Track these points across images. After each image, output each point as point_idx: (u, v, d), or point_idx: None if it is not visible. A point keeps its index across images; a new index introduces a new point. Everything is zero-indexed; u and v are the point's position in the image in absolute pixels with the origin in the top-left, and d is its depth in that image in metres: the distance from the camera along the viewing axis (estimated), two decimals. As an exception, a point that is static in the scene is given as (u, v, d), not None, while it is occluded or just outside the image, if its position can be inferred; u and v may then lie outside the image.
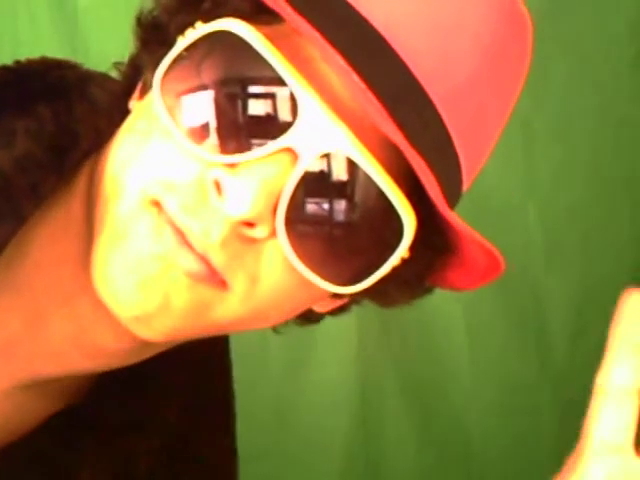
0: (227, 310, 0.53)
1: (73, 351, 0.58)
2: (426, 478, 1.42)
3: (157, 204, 0.51)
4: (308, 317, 0.61)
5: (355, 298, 0.60)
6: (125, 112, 0.56)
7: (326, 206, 0.51)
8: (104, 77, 0.63)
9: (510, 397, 1.42)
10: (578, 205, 1.44)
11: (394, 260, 0.52)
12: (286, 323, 0.61)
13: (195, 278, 0.51)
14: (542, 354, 1.41)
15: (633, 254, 1.45)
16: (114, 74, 0.60)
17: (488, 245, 0.52)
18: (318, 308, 0.60)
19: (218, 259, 0.51)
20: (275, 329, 0.62)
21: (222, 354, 0.74)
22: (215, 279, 0.52)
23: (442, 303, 1.39)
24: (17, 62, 0.62)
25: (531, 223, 1.43)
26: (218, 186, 0.50)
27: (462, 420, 1.42)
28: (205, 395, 0.71)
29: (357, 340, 1.41)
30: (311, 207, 0.51)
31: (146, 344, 0.56)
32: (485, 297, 1.40)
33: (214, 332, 0.56)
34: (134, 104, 0.57)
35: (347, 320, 1.40)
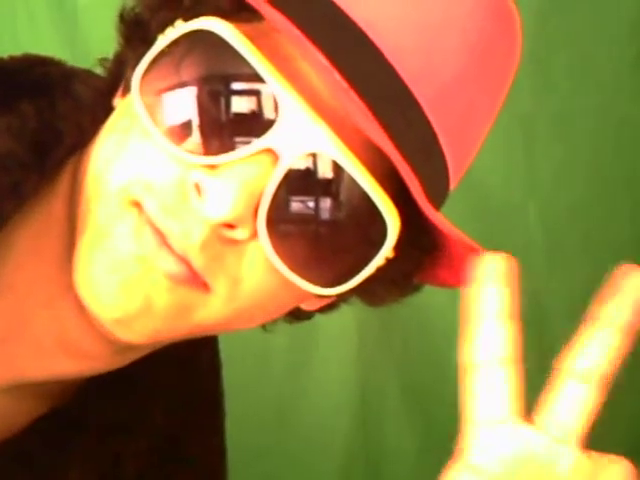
0: (209, 312, 0.52)
1: (57, 353, 0.57)
2: (426, 477, 1.42)
3: (138, 205, 0.51)
4: (296, 315, 0.60)
5: (342, 297, 0.59)
6: (109, 109, 0.56)
7: (308, 207, 0.51)
8: (88, 74, 0.62)
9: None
10: (579, 205, 1.44)
11: (378, 261, 0.52)
12: (275, 322, 0.60)
13: (175, 280, 0.51)
14: (542, 354, 1.41)
15: (633, 254, 1.45)
16: (100, 71, 0.60)
17: (474, 245, 0.52)
18: (306, 307, 0.60)
19: (198, 261, 0.50)
20: (264, 328, 0.61)
21: (211, 354, 0.73)
22: (196, 281, 0.51)
23: (442, 303, 1.39)
24: None
25: (531, 223, 1.43)
26: (198, 187, 0.50)
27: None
28: (193, 395, 0.71)
29: (357, 341, 1.41)
30: (293, 208, 0.50)
31: (129, 347, 0.55)
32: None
33: (198, 333, 0.56)
34: (117, 101, 0.56)
35: (347, 321, 1.40)
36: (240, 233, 0.50)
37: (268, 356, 1.39)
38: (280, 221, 0.50)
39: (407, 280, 0.58)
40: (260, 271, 0.52)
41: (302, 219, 0.51)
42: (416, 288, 0.60)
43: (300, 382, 1.40)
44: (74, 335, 0.56)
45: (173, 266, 0.50)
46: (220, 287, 0.52)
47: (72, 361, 0.57)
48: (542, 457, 0.50)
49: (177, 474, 0.69)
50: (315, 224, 0.51)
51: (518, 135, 1.40)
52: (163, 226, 0.50)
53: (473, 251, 0.52)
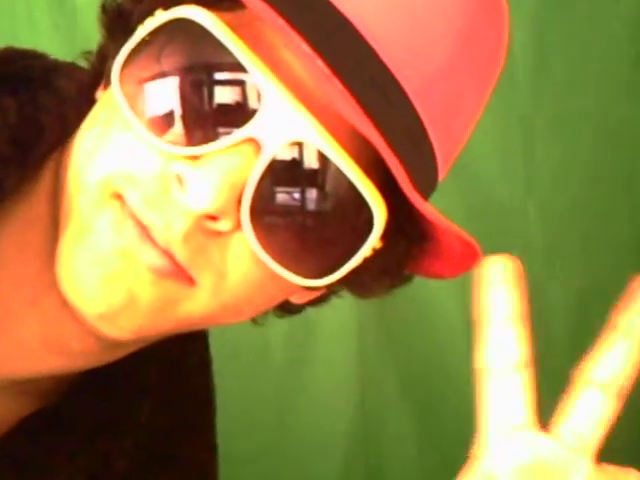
0: (196, 306, 0.52)
1: (42, 351, 0.56)
2: (426, 478, 1.42)
3: (119, 197, 0.50)
4: (287, 308, 0.60)
5: (332, 289, 0.58)
6: (93, 102, 0.55)
7: (292, 197, 0.50)
8: (72, 67, 0.61)
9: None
10: (578, 205, 1.44)
11: (365, 252, 0.51)
12: (265, 315, 0.59)
13: (159, 273, 0.50)
14: (542, 354, 1.41)
15: (633, 254, 1.45)
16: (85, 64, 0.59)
17: (464, 235, 0.51)
18: (295, 300, 0.59)
19: (181, 254, 0.50)
20: (255, 321, 0.60)
21: (201, 349, 0.72)
22: (180, 274, 0.50)
23: (442, 302, 1.39)
24: None
25: (531, 223, 1.43)
26: (180, 179, 0.49)
27: (462, 421, 1.41)
28: (183, 392, 0.69)
29: (357, 340, 1.40)
30: (276, 199, 0.50)
31: (116, 343, 0.55)
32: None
33: (185, 328, 0.55)
34: (100, 94, 0.55)
35: (347, 319, 1.40)
36: (223, 225, 0.50)
37: (266, 355, 1.39)
38: (264, 212, 0.49)
39: (397, 271, 0.57)
40: (245, 263, 0.51)
41: (286, 209, 0.50)
42: (407, 279, 0.59)
43: (299, 381, 1.40)
44: (59, 332, 0.55)
45: (156, 259, 0.50)
46: (205, 280, 0.51)
47: (58, 358, 0.57)
48: (557, 467, 0.50)
49: (167, 472, 0.68)
50: (300, 214, 0.50)
51: (517, 135, 1.40)
52: (145, 219, 0.49)
53: (463, 241, 0.51)
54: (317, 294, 0.59)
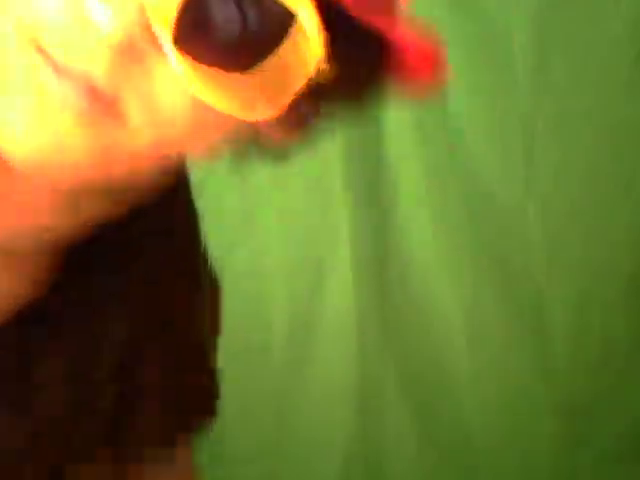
0: (131, 143, 0.49)
1: (7, 214, 0.55)
2: (426, 477, 1.42)
3: (35, 42, 0.48)
4: (259, 144, 0.55)
5: (303, 120, 0.53)
6: None
7: (219, 15, 0.47)
8: None
9: (510, 397, 1.42)
10: (578, 205, 1.44)
11: (306, 70, 0.47)
12: (246, 156, 0.55)
13: (84, 111, 0.48)
14: (542, 354, 1.41)
15: (633, 254, 1.45)
16: None
17: (425, 32, 0.48)
18: (268, 133, 0.54)
19: (105, 86, 0.47)
20: (238, 162, 0.56)
21: (185, 208, 0.67)
22: (107, 110, 0.48)
23: (442, 302, 1.39)
24: None
25: (531, 223, 1.43)
26: (91, 11, 0.46)
27: (462, 420, 1.42)
28: (173, 264, 0.66)
29: (357, 340, 1.41)
30: (198, 18, 0.47)
31: (75, 196, 0.53)
32: (485, 297, 1.40)
33: (129, 174, 0.52)
34: None
35: (347, 319, 1.40)
36: (142, 48, 0.47)
37: (266, 354, 1.39)
38: (184, 33, 0.47)
39: (364, 85, 0.52)
40: (176, 90, 0.48)
41: (212, 30, 0.48)
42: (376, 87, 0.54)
43: (299, 380, 1.40)
44: (14, 188, 0.53)
45: (77, 97, 0.48)
46: (135, 113, 0.48)
47: (19, 218, 0.55)
48: None
49: (159, 350, 0.65)
50: (226, 33, 0.48)
51: (517, 135, 1.40)
52: (62, 58, 0.48)
53: (419, 42, 0.48)
54: (293, 127, 0.53)
